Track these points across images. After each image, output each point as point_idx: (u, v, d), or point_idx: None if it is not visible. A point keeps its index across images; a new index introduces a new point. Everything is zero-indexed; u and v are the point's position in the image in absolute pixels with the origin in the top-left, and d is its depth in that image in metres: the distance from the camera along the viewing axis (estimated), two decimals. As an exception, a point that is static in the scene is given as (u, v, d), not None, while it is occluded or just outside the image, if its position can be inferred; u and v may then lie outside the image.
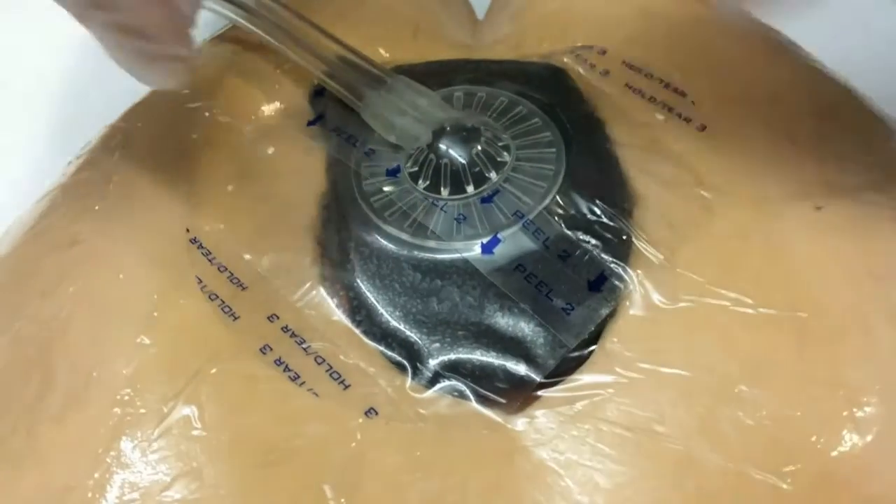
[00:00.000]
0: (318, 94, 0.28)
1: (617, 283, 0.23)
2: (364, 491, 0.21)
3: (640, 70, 0.28)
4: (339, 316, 0.23)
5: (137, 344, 0.23)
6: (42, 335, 0.23)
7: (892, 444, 0.20)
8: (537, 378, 0.22)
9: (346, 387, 0.22)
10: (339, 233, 0.25)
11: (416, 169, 0.26)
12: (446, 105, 0.27)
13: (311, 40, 0.28)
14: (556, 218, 0.24)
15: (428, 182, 0.25)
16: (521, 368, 0.22)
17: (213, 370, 0.22)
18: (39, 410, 0.22)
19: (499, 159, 0.25)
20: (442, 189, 0.25)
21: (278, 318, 0.23)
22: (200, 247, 0.25)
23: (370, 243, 0.24)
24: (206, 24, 0.32)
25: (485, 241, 0.24)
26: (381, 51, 0.30)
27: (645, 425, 0.21)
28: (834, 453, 0.20)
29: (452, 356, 0.22)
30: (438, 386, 0.22)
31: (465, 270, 0.23)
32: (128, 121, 0.29)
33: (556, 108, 0.27)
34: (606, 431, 0.21)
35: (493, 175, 0.25)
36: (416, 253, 0.24)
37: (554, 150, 0.26)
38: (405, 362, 0.23)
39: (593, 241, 0.24)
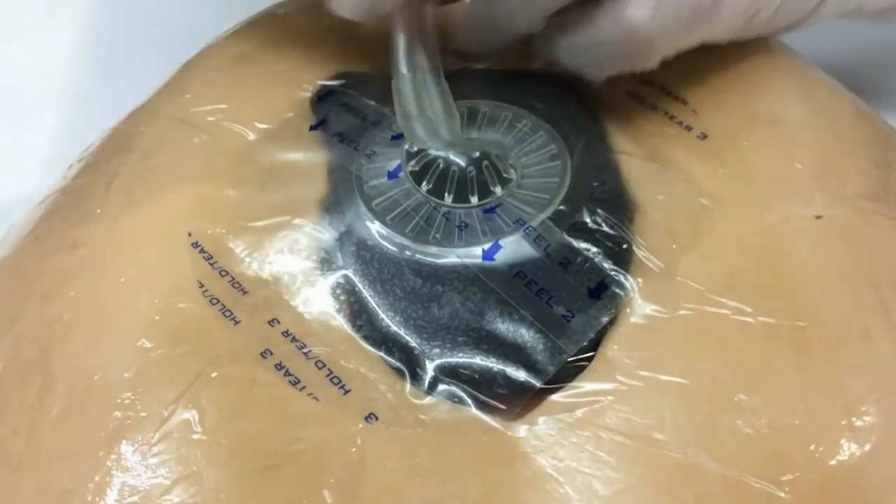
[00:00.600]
0: (321, 99, 0.29)
1: (617, 290, 0.23)
2: (364, 496, 0.21)
3: (641, 79, 0.28)
4: (340, 321, 0.23)
5: (138, 347, 0.23)
6: (43, 338, 0.23)
7: (891, 452, 0.20)
8: (537, 384, 0.22)
9: (347, 392, 0.22)
10: (341, 236, 0.25)
11: (417, 169, 0.26)
12: (457, 127, 0.26)
13: None
14: (558, 226, 0.24)
15: (431, 186, 0.25)
16: (520, 375, 0.22)
17: (214, 374, 0.22)
18: (40, 413, 0.22)
19: (505, 175, 0.25)
20: (446, 196, 0.25)
21: (279, 322, 0.23)
22: (202, 251, 0.25)
23: (371, 247, 0.24)
24: (208, 26, 0.32)
25: (486, 247, 0.24)
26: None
27: (644, 433, 0.21)
28: (832, 462, 0.20)
29: (452, 362, 0.22)
30: (438, 391, 0.22)
31: (465, 276, 0.23)
32: (130, 124, 0.29)
33: (559, 119, 0.27)
34: (606, 439, 0.21)
35: (497, 189, 0.25)
36: (417, 258, 0.24)
37: (558, 163, 0.26)
38: (403, 368, 0.23)
39: (594, 249, 0.24)
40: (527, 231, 0.24)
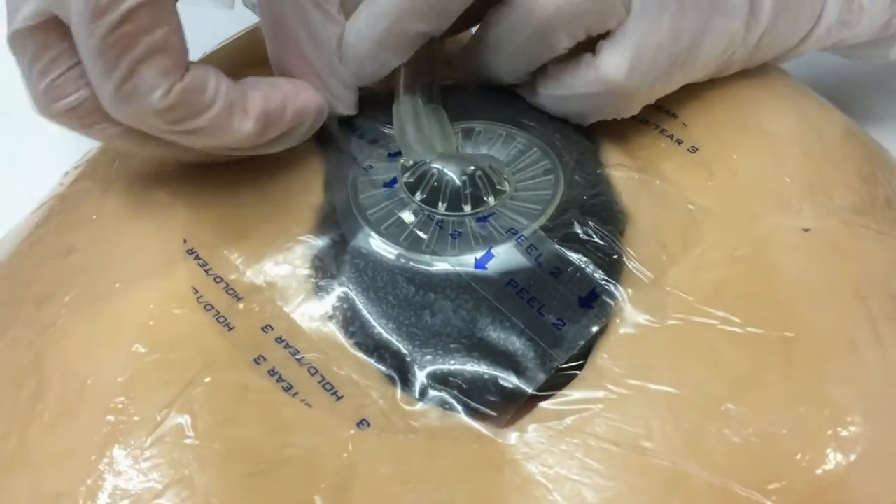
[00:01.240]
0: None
1: (607, 300, 0.23)
2: (355, 501, 0.21)
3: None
4: (333, 328, 0.24)
5: (132, 352, 0.23)
6: (37, 342, 0.24)
7: (876, 462, 0.21)
8: (527, 392, 0.22)
9: (339, 398, 0.22)
10: (335, 245, 0.25)
11: (412, 180, 0.26)
12: (453, 144, 0.27)
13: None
14: (550, 236, 0.24)
15: (425, 196, 0.26)
16: (511, 382, 0.22)
17: (207, 379, 0.22)
18: (33, 416, 0.22)
19: (498, 188, 0.26)
20: (440, 204, 0.25)
21: (272, 328, 0.24)
22: (197, 257, 0.25)
23: (365, 256, 0.24)
24: (208, 33, 0.33)
25: (478, 255, 0.24)
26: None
27: (633, 441, 0.21)
28: (818, 471, 0.20)
29: (444, 369, 0.23)
30: (429, 398, 0.22)
31: (458, 284, 0.24)
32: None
33: (552, 135, 0.27)
34: (595, 446, 0.21)
35: (490, 199, 0.25)
36: (410, 266, 0.24)
37: (551, 177, 0.26)
38: (394, 374, 0.23)
39: (585, 259, 0.24)
40: (519, 240, 0.24)
